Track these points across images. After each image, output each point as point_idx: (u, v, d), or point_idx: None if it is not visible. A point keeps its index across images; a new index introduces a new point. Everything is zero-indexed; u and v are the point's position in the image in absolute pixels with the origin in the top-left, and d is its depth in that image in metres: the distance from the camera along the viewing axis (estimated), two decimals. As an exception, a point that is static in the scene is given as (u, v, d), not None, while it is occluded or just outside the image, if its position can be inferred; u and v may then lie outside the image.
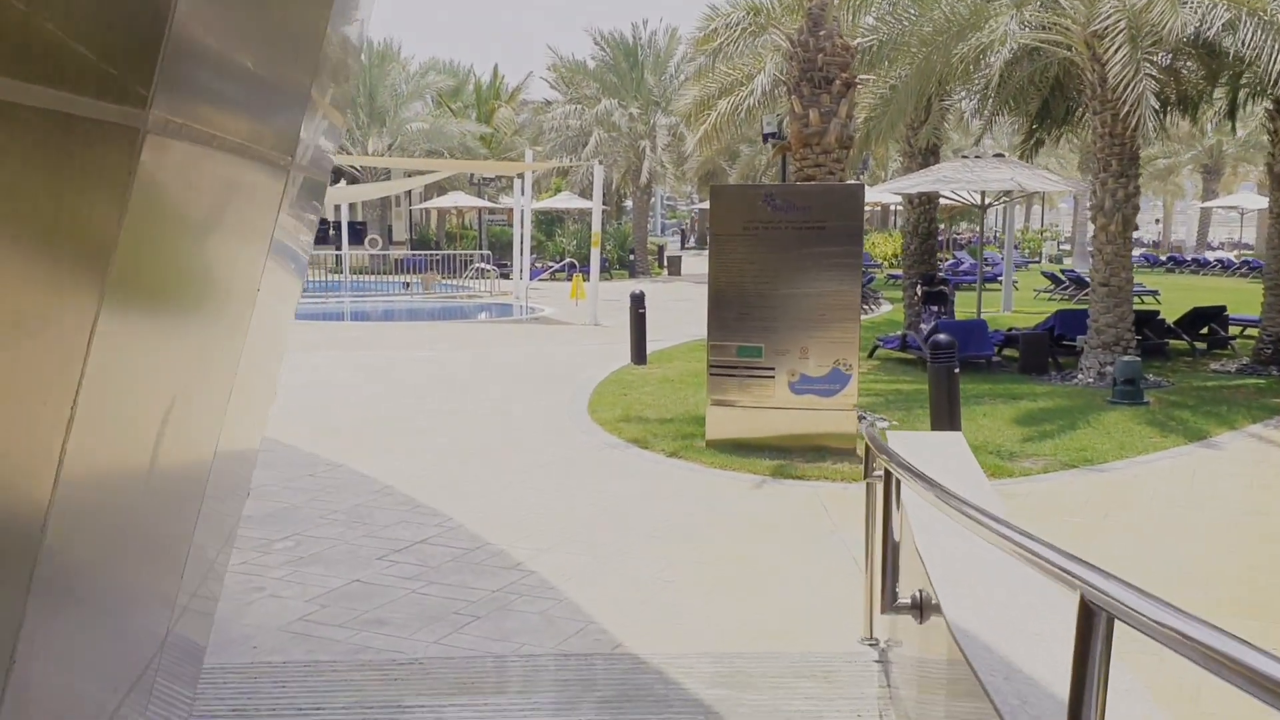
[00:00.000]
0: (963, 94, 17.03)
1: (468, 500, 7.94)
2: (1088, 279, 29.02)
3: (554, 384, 13.53)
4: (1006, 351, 15.48)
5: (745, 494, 8.21)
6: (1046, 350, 14.46)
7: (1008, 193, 14.86)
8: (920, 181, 14.29)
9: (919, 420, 10.98)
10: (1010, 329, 15.89)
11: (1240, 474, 9.05)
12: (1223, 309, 16.77)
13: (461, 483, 8.49)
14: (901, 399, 12.30)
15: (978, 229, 67.02)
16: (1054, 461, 9.30)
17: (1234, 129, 18.38)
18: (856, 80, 10.64)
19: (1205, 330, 16.81)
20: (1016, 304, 25.34)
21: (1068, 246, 58.64)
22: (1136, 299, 26.31)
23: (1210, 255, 42.43)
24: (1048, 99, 16.01)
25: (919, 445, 5.11)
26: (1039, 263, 47.01)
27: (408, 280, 30.78)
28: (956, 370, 8.95)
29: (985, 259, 39.38)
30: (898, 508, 3.79)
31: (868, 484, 5.22)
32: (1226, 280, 36.01)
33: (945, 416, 8.83)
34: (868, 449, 5.12)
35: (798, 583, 6.19)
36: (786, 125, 16.46)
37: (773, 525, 7.35)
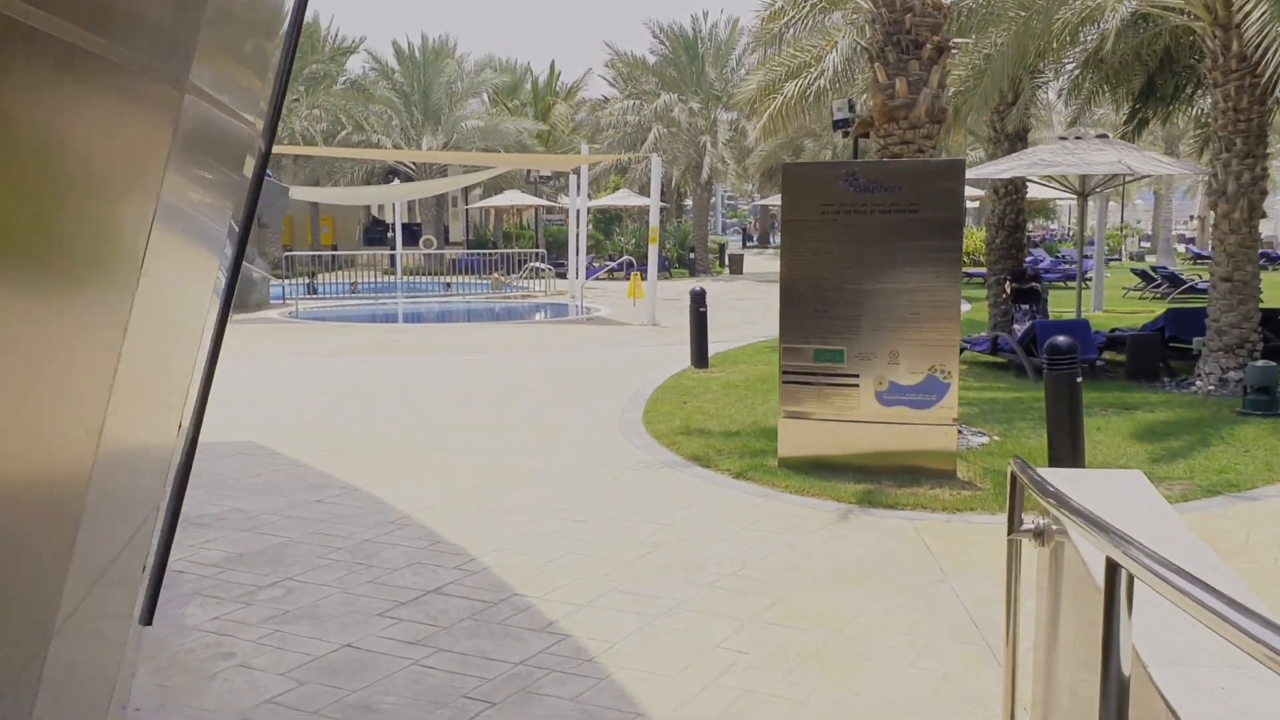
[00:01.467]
0: (1053, 73, 15.48)
1: (497, 535, 6.68)
2: (1182, 276, 27.31)
3: (606, 390, 12.26)
4: (1108, 355, 13.91)
5: (828, 528, 6.85)
6: (1158, 354, 12.89)
7: (1112, 178, 13.34)
8: (1016, 165, 12.81)
9: (1022, 434, 9.54)
10: (1114, 330, 14.32)
11: None
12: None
13: (492, 512, 7.24)
14: (998, 409, 10.85)
15: (1052, 225, 64.74)
16: (1193, 487, 7.83)
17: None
18: (950, 44, 9.21)
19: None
20: (1107, 303, 23.60)
21: (1148, 244, 56.29)
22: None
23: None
24: (1153, 75, 14.42)
25: (1088, 488, 3.74)
26: (1119, 260, 44.92)
27: (449, 281, 29.71)
28: (1079, 380, 7.53)
29: (1061, 256, 37.56)
30: (1126, 613, 2.37)
31: (1011, 540, 3.87)
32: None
33: (1067, 434, 7.41)
34: (1013, 488, 3.77)
35: (906, 655, 4.83)
36: (866, 103, 15.05)
37: (866, 571, 6.00)
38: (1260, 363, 10.62)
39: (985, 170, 13.17)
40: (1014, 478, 3.77)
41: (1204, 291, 25.31)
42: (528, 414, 10.86)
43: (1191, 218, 63.27)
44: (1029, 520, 3.76)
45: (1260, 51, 9.71)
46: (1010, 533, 3.81)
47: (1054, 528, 3.69)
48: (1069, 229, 67.43)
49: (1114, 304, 24.09)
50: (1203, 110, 15.43)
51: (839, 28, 16.29)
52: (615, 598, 5.53)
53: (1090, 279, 23.92)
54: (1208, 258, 42.74)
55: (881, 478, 7.94)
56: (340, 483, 8.08)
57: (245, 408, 11.27)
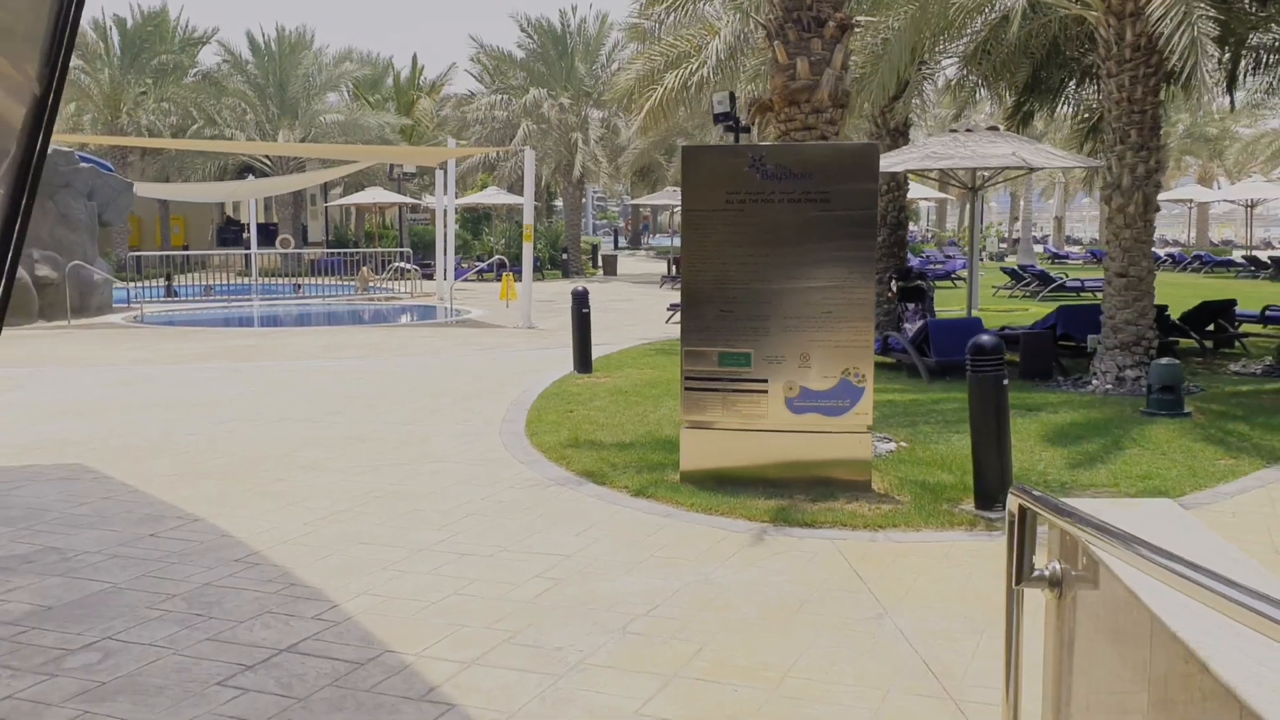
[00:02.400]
0: (944, 62, 15.14)
1: (364, 574, 5.72)
2: (1052, 275, 27.64)
3: (483, 399, 11.32)
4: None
5: (745, 552, 6.09)
6: (1051, 352, 12.58)
7: (1002, 171, 13.00)
8: (908, 158, 12.34)
9: (928, 439, 8.99)
10: (1003, 328, 14.01)
11: (1355, 507, 7.17)
12: (1233, 303, 15.09)
13: (358, 545, 6.27)
14: (898, 413, 10.32)
15: (913, 226, 65.80)
16: (1117, 493, 7.34)
17: (1232, 105, 16.74)
18: (854, 22, 8.59)
19: (1211, 327, 15.10)
20: (980, 302, 23.59)
21: (1005, 244, 57.67)
22: (1092, 295, 24.89)
23: (1161, 251, 41.44)
24: (1039, 67, 14.17)
25: (1122, 520, 3.03)
26: (982, 260, 45.74)
27: (299, 282, 28.19)
28: (1005, 382, 6.95)
29: (926, 256, 37.94)
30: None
31: (1016, 591, 3.15)
32: (1180, 275, 34.89)
33: (992, 442, 6.82)
34: (1018, 526, 3.06)
35: (860, 713, 4.08)
36: (753, 92, 14.47)
37: (795, 605, 5.25)
38: (1164, 361, 10.32)
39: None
40: (1021, 514, 3.05)
41: (1074, 289, 25.68)
42: (397, 427, 9.86)
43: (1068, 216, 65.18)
44: (1047, 567, 3.04)
45: (1164, 39, 9.36)
46: (1019, 581, 3.09)
47: (1076, 572, 2.99)
48: (929, 231, 68.80)
49: (987, 303, 24.13)
50: (1086, 104, 15.31)
51: (721, 16, 15.68)
52: (510, 652, 4.65)
53: (964, 278, 23.93)
54: (1065, 257, 44.02)
55: (794, 491, 7.24)
56: (180, 512, 6.98)
57: (75, 423, 9.98)
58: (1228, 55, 15.96)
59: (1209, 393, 11.46)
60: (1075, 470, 7.98)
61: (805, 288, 7.21)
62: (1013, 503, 3.06)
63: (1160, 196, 38.29)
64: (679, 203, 34.54)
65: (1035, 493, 2.97)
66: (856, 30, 8.98)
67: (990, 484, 6.83)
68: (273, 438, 9.37)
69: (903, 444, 8.82)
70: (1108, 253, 12.02)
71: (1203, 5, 9.17)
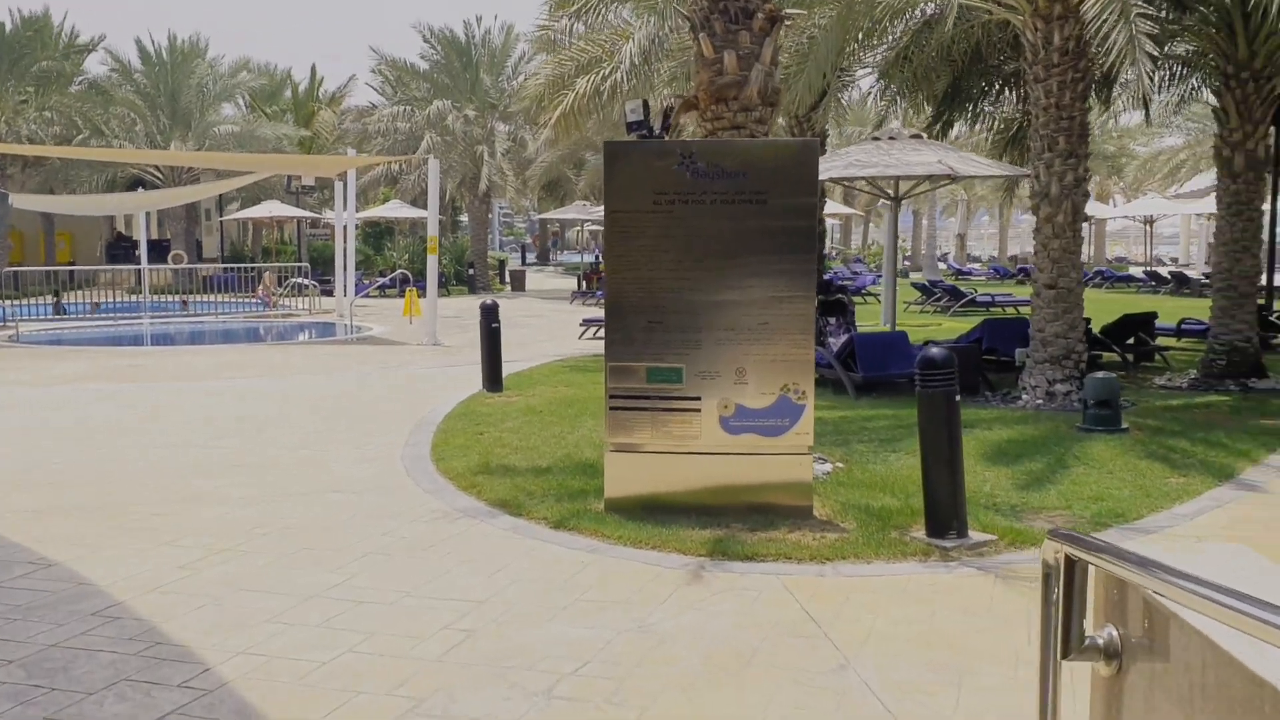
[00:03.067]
0: (859, 72, 14.77)
1: (244, 628, 4.92)
2: (962, 290, 27.63)
3: (385, 421, 10.50)
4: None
5: (683, 592, 5.43)
6: (978, 367, 12.20)
7: (930, 178, 12.63)
8: (832, 166, 11.88)
9: (864, 459, 8.46)
10: (927, 343, 13.56)
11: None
12: (1153, 316, 14.95)
13: (240, 592, 5.45)
14: (829, 430, 9.76)
15: (825, 243, 66.32)
16: (1077, 519, 6.87)
17: (1148, 117, 16.69)
18: (783, 15, 8.04)
19: (1131, 341, 14.94)
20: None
21: (909, 261, 58.19)
22: (1012, 309, 24.93)
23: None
24: (959, 75, 13.87)
25: (1194, 567, 2.43)
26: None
27: (185, 299, 26.83)
28: (958, 398, 6.42)
29: (835, 272, 37.87)
30: None
31: (1052, 663, 2.53)
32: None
33: (944, 463, 6.27)
34: (1065, 584, 2.44)
35: (835, 795, 3.44)
36: (667, 98, 13.91)
37: (745, 656, 4.59)
38: (1100, 375, 9.96)
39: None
40: (1069, 567, 2.44)
41: (984, 304, 25.67)
42: (290, 453, 9.00)
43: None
44: (1102, 633, 2.42)
45: (1100, 38, 9.00)
46: (1067, 653, 2.46)
47: (1141, 639, 2.38)
48: (834, 249, 69.24)
49: (900, 318, 23.92)
50: (1004, 115, 15.08)
51: (632, 21, 15.12)
52: (416, 725, 3.91)
53: (875, 293, 23.71)
54: (968, 274, 44.45)
55: (730, 519, 6.61)
56: (34, 556, 6.08)
57: (-80, 454, 8.93)
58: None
59: (1140, 407, 11.17)
60: (1024, 492, 7.50)
61: (741, 297, 6.61)
62: (1053, 552, 2.43)
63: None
64: (589, 216, 33.91)
65: (1086, 538, 2.35)
66: (785, 25, 8.43)
67: (943, 509, 6.28)
68: (151, 466, 8.45)
69: (839, 464, 8.26)
70: (1035, 264, 11.68)
71: (1140, 4, 8.83)
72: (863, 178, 11.28)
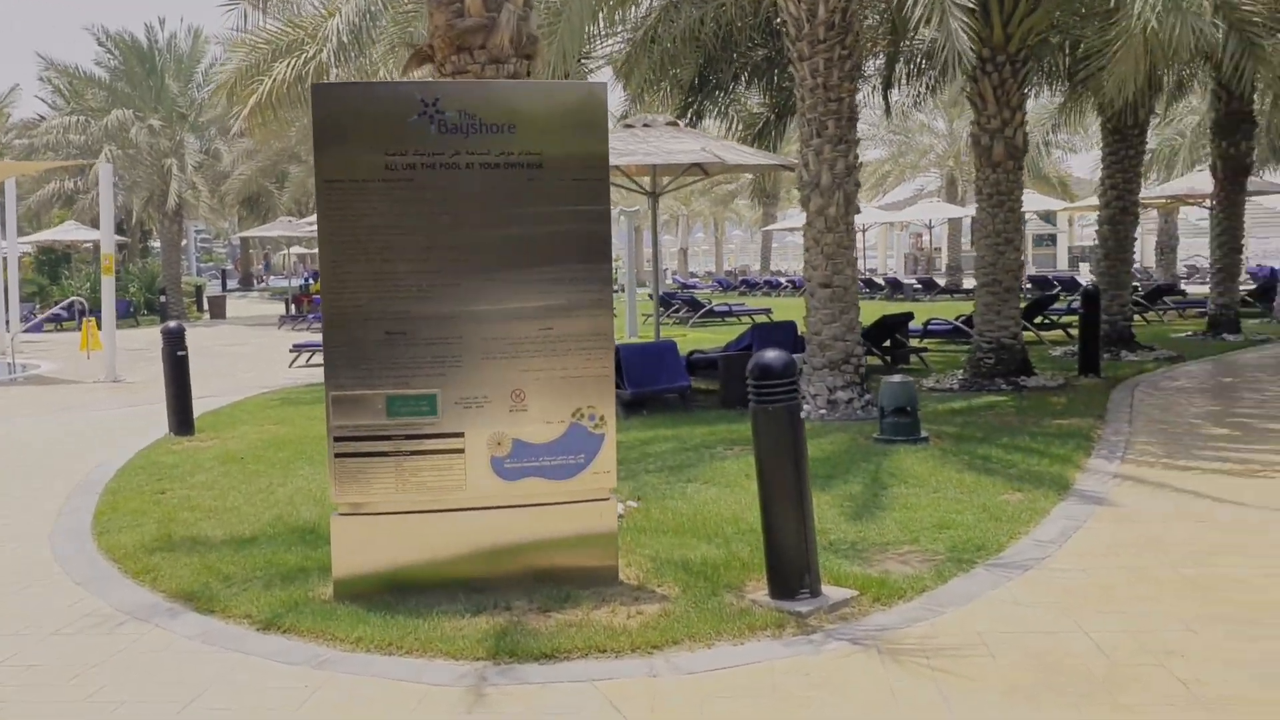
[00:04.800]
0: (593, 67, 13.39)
1: None
2: (700, 300, 26.90)
3: (38, 479, 8.07)
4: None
5: (462, 729, 3.66)
6: (751, 376, 10.98)
7: (697, 167, 11.32)
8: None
9: (660, 494, 6.96)
10: (693, 352, 12.33)
11: (1209, 542, 5.79)
12: (909, 317, 14.34)
13: None
14: (604, 460, 8.16)
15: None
16: (932, 556, 5.58)
17: (888, 111, 16.21)
18: (536, -52, 6.42)
19: (888, 343, 14.29)
20: (638, 329, 22.24)
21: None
22: (748, 318, 24.40)
23: (781, 278, 42.72)
24: (709, 61, 12.73)
25: None
26: (619, 290, 45.35)
27: None
28: (802, 415, 4.97)
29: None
30: None
31: None
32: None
33: (789, 495, 4.80)
34: None
35: None
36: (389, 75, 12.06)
37: None
38: (896, 379, 8.89)
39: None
40: None
41: (722, 313, 25.02)
42: (-119, 537, 6.50)
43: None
44: None
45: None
46: None
47: None
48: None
49: (642, 330, 22.84)
50: (754, 106, 14.11)
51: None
52: None
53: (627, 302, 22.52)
54: (692, 286, 44.45)
55: (512, 595, 4.89)
56: None
57: None
58: (882, 60, 15.41)
59: (925, 413, 10.23)
60: (857, 524, 6.17)
61: (516, 295, 4.90)
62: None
63: (774, 226, 38.93)
64: (296, 233, 30.82)
65: None
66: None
67: (790, 562, 4.81)
68: None
69: (632, 503, 6.68)
70: (807, 261, 10.58)
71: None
72: (618, 167, 9.87)
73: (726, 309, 25.32)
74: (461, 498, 4.95)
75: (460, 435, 4.91)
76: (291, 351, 16.95)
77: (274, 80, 12.90)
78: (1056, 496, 6.80)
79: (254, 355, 19.44)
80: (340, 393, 4.89)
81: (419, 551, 4.98)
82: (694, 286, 45.47)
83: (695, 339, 18.63)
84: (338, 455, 4.92)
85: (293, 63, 12.88)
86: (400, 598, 4.85)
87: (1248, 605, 4.69)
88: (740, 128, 14.28)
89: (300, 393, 12.80)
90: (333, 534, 5.00)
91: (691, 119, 13.46)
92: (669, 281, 50.28)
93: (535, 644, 4.34)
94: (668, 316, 25.84)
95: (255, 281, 57.49)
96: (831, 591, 4.91)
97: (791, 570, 4.80)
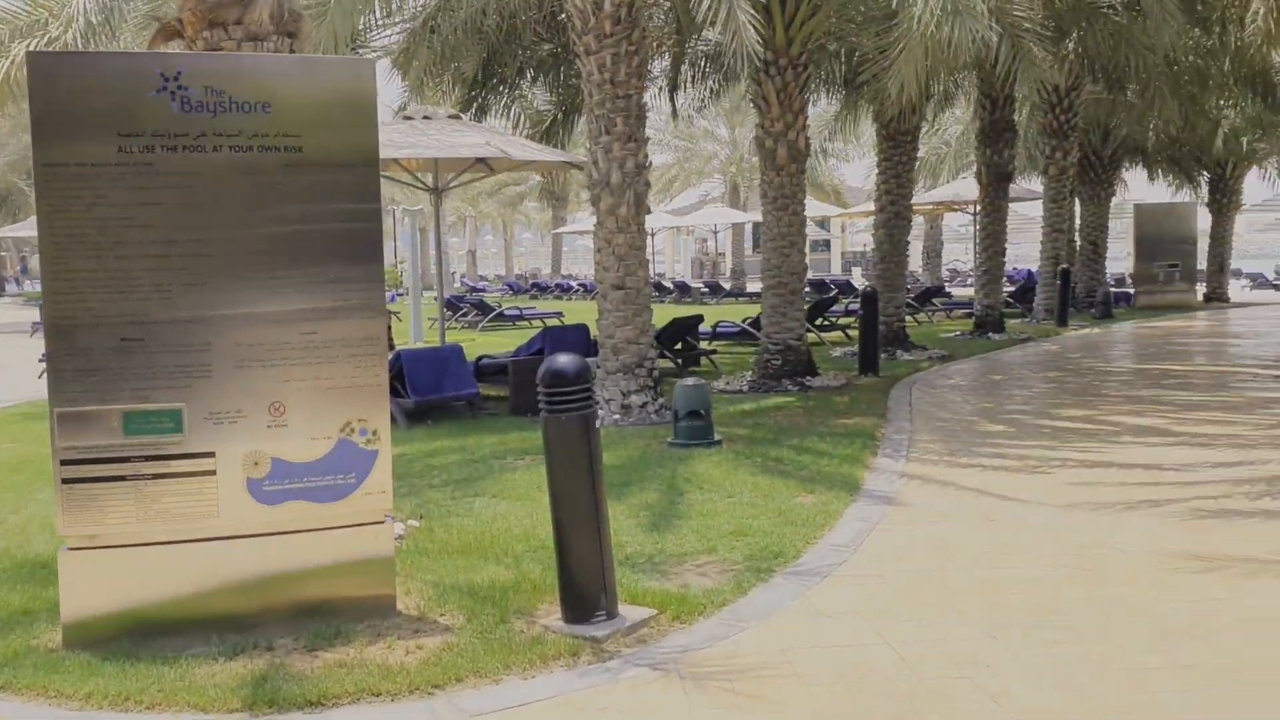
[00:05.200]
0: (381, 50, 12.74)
1: None
2: (490, 304, 26.31)
3: None
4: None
5: (208, 801, 3.14)
6: (541, 381, 10.61)
7: (482, 163, 10.81)
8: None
9: (445, 510, 6.54)
10: (481, 358, 11.84)
11: (999, 543, 5.79)
12: (699, 319, 14.30)
13: None
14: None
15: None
16: (730, 565, 5.37)
17: (675, 114, 16.16)
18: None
19: (679, 346, 14.22)
20: (424, 335, 21.52)
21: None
22: (540, 322, 24.05)
23: (573, 281, 42.55)
24: (492, 54, 12.31)
25: None
26: (403, 294, 44.18)
27: None
28: (599, 424, 4.63)
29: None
30: None
31: None
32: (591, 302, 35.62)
33: (584, 512, 4.46)
34: None
35: None
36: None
37: None
38: (690, 382, 8.72)
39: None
40: None
41: (513, 317, 24.56)
42: None
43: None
44: None
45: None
46: None
47: None
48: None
49: (427, 335, 22.14)
50: (541, 104, 13.76)
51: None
52: None
53: (394, 310, 21.73)
54: (482, 290, 43.82)
55: (275, 632, 4.36)
56: None
57: None
58: (668, 61, 15.37)
59: (717, 415, 10.12)
60: (654, 534, 5.91)
61: (274, 296, 4.37)
62: None
63: (565, 229, 38.76)
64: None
65: None
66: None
67: (586, 584, 4.47)
68: None
69: (413, 522, 6.21)
70: (598, 262, 10.31)
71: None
72: (397, 160, 9.31)
73: (517, 312, 24.90)
74: (214, 525, 4.37)
75: (211, 455, 4.33)
76: (41, 361, 15.47)
77: (12, 62, 11.66)
78: (849, 497, 6.74)
79: (-5, 366, 17.71)
80: (67, 409, 4.24)
81: (166, 588, 4.37)
82: (483, 290, 44.80)
83: (484, 344, 18.14)
84: (66, 481, 4.26)
85: (34, 44, 11.68)
86: (143, 642, 4.25)
87: (1041, 608, 4.65)
88: (527, 125, 13.92)
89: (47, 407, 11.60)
90: (61, 572, 4.33)
91: (475, 114, 12.99)
92: (457, 285, 49.40)
93: (300, 689, 3.84)
94: (455, 321, 25.21)
95: (5, 286, 53.14)
96: (629, 611, 4.60)
97: (587, 592, 4.47)
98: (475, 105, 12.91)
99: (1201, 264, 28.05)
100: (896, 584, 5.02)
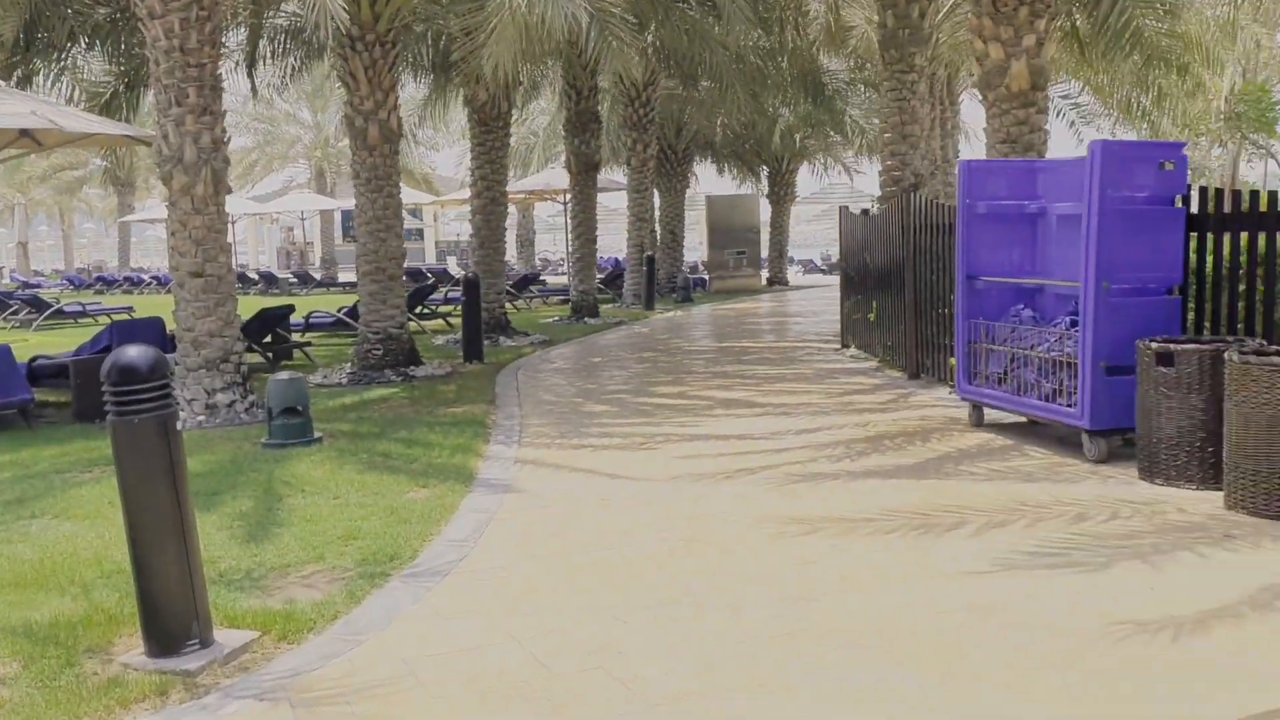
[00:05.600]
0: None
1: None
2: (47, 300, 23.40)
3: None
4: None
5: None
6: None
7: (29, 136, 9.30)
8: None
9: (-7, 538, 5.55)
10: (36, 358, 10.36)
11: (618, 523, 5.75)
12: (291, 310, 13.46)
13: None
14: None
15: None
16: (340, 573, 4.95)
17: (254, 91, 15.11)
18: None
19: (269, 338, 13.33)
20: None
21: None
22: (106, 317, 21.75)
23: (144, 274, 39.06)
24: (36, 17, 10.85)
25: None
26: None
27: None
28: (181, 427, 4.03)
29: None
30: None
31: None
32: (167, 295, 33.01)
33: (170, 537, 3.86)
34: None
35: None
36: None
37: None
38: (284, 376, 8.08)
39: None
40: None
41: (74, 314, 22.09)
42: None
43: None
44: None
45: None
46: None
47: None
48: None
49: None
50: (108, 68, 12.29)
51: None
52: None
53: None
54: (37, 286, 39.38)
55: None
56: None
57: None
58: (245, 35, 14.36)
59: (316, 411, 9.52)
60: (252, 547, 5.35)
61: None
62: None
63: (133, 217, 35.85)
64: None
65: None
66: None
67: (171, 608, 3.90)
68: None
69: (-51, 557, 5.22)
70: (174, 247, 9.34)
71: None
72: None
73: (80, 309, 22.41)
74: None
75: None
76: None
77: None
78: (463, 488, 6.50)
79: None
80: None
81: None
82: (38, 286, 40.19)
83: (40, 343, 16.17)
84: None
85: None
86: None
87: (664, 585, 4.64)
88: (83, 99, 12.39)
89: None
90: None
91: (21, 82, 11.39)
92: (6, 280, 43.98)
93: None
94: (4, 320, 22.33)
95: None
96: (227, 636, 4.08)
97: (174, 619, 3.90)
98: (16, 75, 11.31)
99: (764, 251, 30.56)
100: (520, 575, 4.83)
